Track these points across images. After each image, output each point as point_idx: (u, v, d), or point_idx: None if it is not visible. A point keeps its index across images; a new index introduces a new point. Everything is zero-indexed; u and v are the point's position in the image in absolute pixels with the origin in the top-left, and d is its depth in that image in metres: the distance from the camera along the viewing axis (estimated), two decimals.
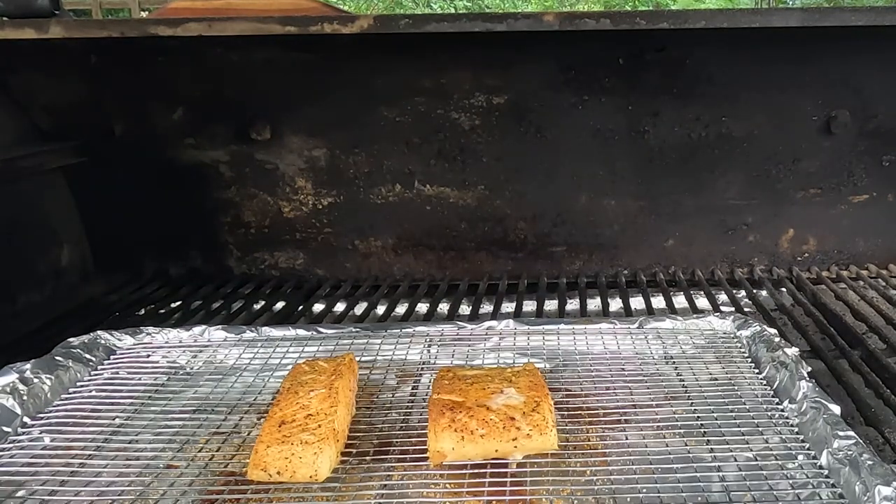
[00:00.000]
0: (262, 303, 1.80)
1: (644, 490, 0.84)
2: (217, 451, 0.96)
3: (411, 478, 0.89)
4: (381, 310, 1.73)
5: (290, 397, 0.98)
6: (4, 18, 1.47)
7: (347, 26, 1.44)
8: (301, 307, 1.76)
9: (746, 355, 1.18)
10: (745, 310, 1.63)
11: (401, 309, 1.73)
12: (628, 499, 0.83)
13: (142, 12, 5.96)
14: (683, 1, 9.41)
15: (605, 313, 1.66)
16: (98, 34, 1.48)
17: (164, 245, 1.98)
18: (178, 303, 1.80)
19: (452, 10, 9.17)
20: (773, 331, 1.22)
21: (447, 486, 0.87)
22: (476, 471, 0.89)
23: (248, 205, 1.93)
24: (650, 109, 1.81)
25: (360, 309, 1.75)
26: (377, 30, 1.45)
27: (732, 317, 1.30)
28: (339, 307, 1.77)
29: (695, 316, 1.32)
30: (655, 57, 1.75)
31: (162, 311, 1.75)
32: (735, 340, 1.24)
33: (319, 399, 0.96)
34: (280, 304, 1.79)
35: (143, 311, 1.76)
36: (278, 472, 0.87)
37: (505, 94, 1.81)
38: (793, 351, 1.12)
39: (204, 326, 1.31)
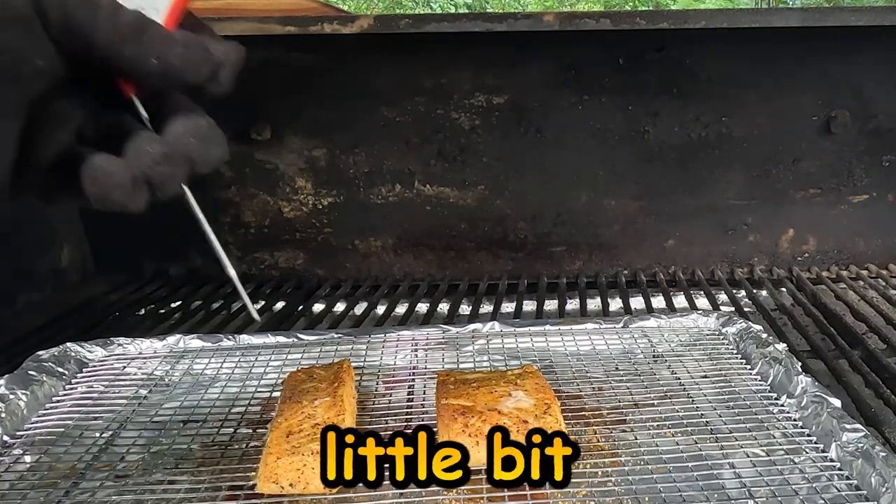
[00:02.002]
0: (263, 303, 1.80)
1: (663, 489, 0.83)
2: (217, 465, 0.92)
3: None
4: (381, 310, 1.73)
5: (294, 406, 0.95)
6: None
7: (347, 26, 1.44)
8: (301, 307, 1.76)
9: (735, 352, 1.18)
10: (746, 310, 1.63)
11: (401, 309, 1.73)
12: (647, 498, 0.82)
13: None
14: (683, 1, 9.42)
15: (605, 313, 1.66)
16: None
17: (164, 245, 1.98)
18: (178, 303, 1.80)
19: (452, 10, 9.17)
20: (759, 327, 1.22)
21: (464, 491, 0.84)
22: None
23: (248, 205, 1.93)
24: (650, 109, 1.81)
25: (359, 309, 1.75)
26: (377, 30, 1.45)
27: (716, 314, 1.30)
28: (339, 307, 1.77)
29: (679, 314, 1.32)
30: (655, 57, 1.75)
31: (162, 311, 1.75)
32: (721, 337, 1.24)
33: (325, 407, 0.94)
34: (280, 304, 1.79)
35: (143, 311, 1.76)
36: (291, 484, 0.84)
37: (505, 94, 1.81)
38: (782, 346, 1.13)
39: (179, 335, 1.26)
